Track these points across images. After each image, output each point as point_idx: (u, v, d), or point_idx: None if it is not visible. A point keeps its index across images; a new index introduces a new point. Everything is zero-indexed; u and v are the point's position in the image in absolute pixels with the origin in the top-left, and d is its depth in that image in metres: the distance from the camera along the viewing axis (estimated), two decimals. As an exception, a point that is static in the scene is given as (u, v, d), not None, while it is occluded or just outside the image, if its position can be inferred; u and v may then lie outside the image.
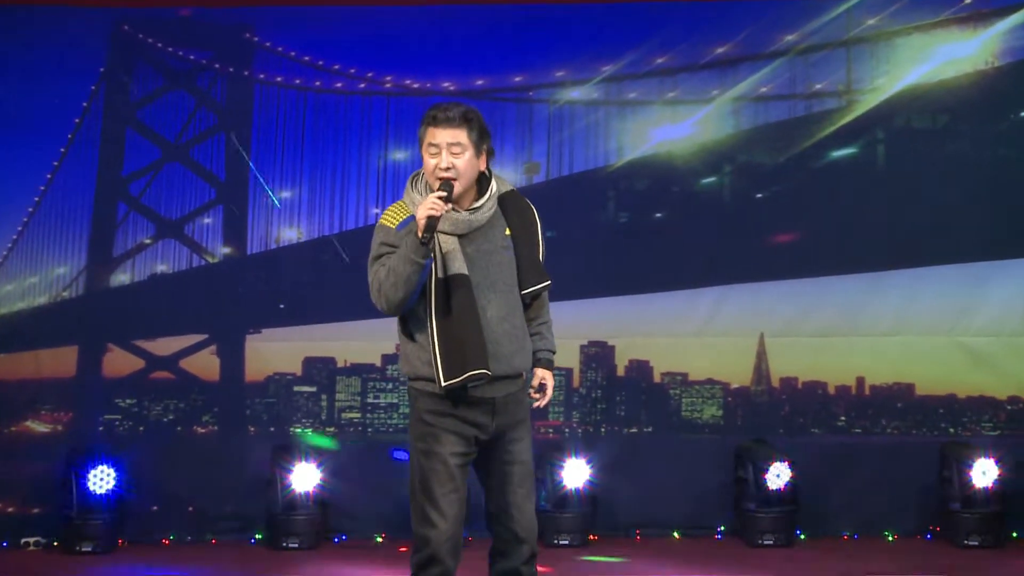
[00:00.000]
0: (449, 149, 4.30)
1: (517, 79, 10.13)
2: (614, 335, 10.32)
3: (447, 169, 4.31)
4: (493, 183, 4.54)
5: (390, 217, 4.43)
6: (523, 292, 4.59)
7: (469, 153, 4.35)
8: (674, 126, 10.32)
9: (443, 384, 4.33)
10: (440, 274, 4.30)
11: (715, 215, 10.28)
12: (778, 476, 9.64)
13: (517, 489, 4.57)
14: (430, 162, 4.42)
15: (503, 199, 4.59)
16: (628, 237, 10.22)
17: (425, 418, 4.52)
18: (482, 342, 4.27)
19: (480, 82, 10.12)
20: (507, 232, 4.63)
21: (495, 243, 4.56)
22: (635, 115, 10.35)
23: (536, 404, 4.80)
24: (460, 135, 4.34)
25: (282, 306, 10.11)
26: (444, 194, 4.24)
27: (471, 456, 4.47)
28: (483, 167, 4.59)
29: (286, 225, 10.10)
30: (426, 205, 4.20)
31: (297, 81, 10.08)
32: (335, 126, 10.07)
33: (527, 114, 10.19)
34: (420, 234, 4.17)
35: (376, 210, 10.02)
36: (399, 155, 10.00)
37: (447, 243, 4.37)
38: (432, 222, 4.17)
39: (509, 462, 4.60)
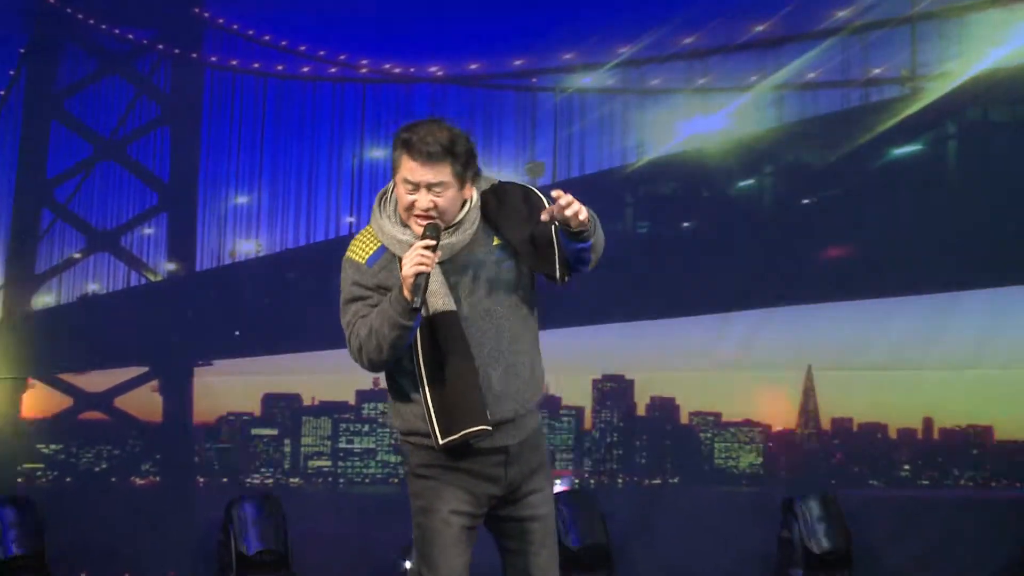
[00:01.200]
0: (431, 189, 4.18)
1: (517, 63, 10.12)
2: (633, 368, 10.34)
3: (427, 210, 4.19)
4: (473, 192, 4.34)
5: (357, 249, 4.31)
6: (562, 277, 4.43)
7: (453, 190, 4.23)
8: (705, 118, 10.28)
9: (440, 443, 4.27)
10: (424, 313, 4.22)
11: (754, 225, 10.22)
12: (829, 536, 9.40)
13: (540, 550, 4.45)
14: (407, 198, 4.21)
15: (484, 203, 4.37)
16: (649, 252, 10.23)
17: (422, 472, 4.46)
18: (477, 392, 4.22)
19: (474, 66, 10.12)
20: (495, 242, 4.45)
21: (483, 261, 4.41)
22: (658, 105, 10.32)
23: (563, 210, 4.35)
24: (443, 172, 4.19)
25: (237, 333, 10.17)
26: (432, 243, 4.13)
27: (480, 518, 4.41)
28: (468, 195, 4.35)
29: (243, 236, 10.16)
30: (412, 260, 4.09)
31: (255, 65, 10.16)
32: (301, 118, 10.11)
33: (529, 104, 10.19)
34: (409, 297, 4.09)
35: (351, 219, 10.09)
36: (377, 152, 9.99)
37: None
38: (422, 280, 4.09)
39: (528, 518, 4.45)
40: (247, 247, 9.98)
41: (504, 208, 4.37)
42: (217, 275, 9.98)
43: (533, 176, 10.07)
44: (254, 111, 9.88)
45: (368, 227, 4.40)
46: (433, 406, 4.28)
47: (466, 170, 4.30)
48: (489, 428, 4.30)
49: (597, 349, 10.00)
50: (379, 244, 4.32)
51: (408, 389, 4.37)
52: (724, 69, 10.17)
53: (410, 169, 4.21)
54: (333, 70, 9.94)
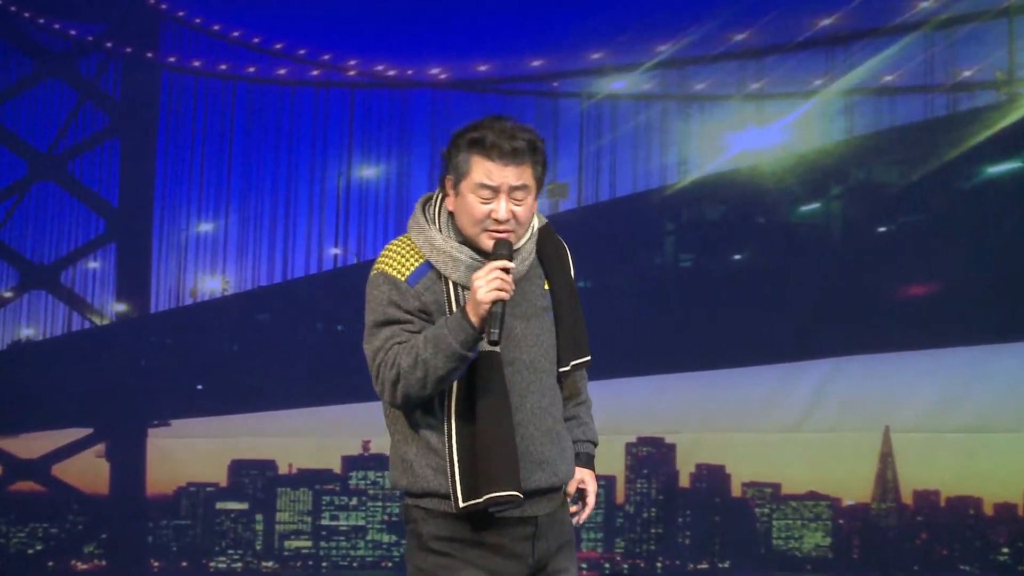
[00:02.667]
0: (511, 195, 4.29)
1: (536, 64, 10.13)
2: (674, 429, 10.28)
3: (505, 222, 4.29)
4: (534, 218, 4.49)
5: (394, 263, 4.40)
6: (560, 370, 4.52)
7: (531, 199, 4.37)
8: (760, 130, 10.28)
9: (460, 505, 4.34)
10: None
11: (820, 258, 10.22)
12: (913, 635, 9.48)
13: None
14: (480, 208, 4.33)
15: (541, 240, 4.52)
16: (694, 290, 10.21)
17: (435, 545, 4.52)
18: (513, 451, 4.32)
19: (483, 68, 10.14)
20: (546, 287, 4.52)
21: (534, 304, 4.48)
22: (704, 115, 10.32)
23: (576, 519, 4.73)
24: (526, 174, 4.32)
25: (200, 387, 10.19)
26: (511, 264, 4.24)
27: None
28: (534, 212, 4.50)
29: (207, 271, 10.22)
30: (488, 282, 4.20)
31: (223, 67, 10.20)
32: (277, 130, 10.14)
33: (550, 113, 10.25)
34: (485, 329, 4.19)
35: (336, 251, 10.15)
36: (367, 171, 10.04)
37: None
38: (499, 308, 4.19)
39: None
40: (212, 284, 10.05)
41: (560, 269, 4.50)
42: (176, 318, 10.01)
43: (555, 199, 10.08)
44: (221, 121, 9.94)
45: (404, 238, 4.48)
46: (459, 462, 4.34)
47: (544, 174, 4.45)
48: (520, 495, 4.38)
49: (631, 406, 10.04)
50: (422, 260, 4.40)
51: (428, 438, 4.43)
52: (783, 71, 10.18)
53: (487, 171, 4.31)
54: (315, 72, 9.99)
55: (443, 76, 10.00)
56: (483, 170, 4.32)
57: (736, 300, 10.26)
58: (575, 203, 10.07)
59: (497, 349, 4.31)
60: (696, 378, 10.26)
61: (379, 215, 10.10)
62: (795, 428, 10.23)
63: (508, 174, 4.29)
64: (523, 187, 4.30)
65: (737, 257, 10.40)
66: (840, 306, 10.22)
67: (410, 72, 10.02)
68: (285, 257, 10.03)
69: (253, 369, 9.97)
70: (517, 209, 4.31)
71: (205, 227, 10.02)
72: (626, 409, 10.08)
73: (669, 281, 10.30)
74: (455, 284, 4.33)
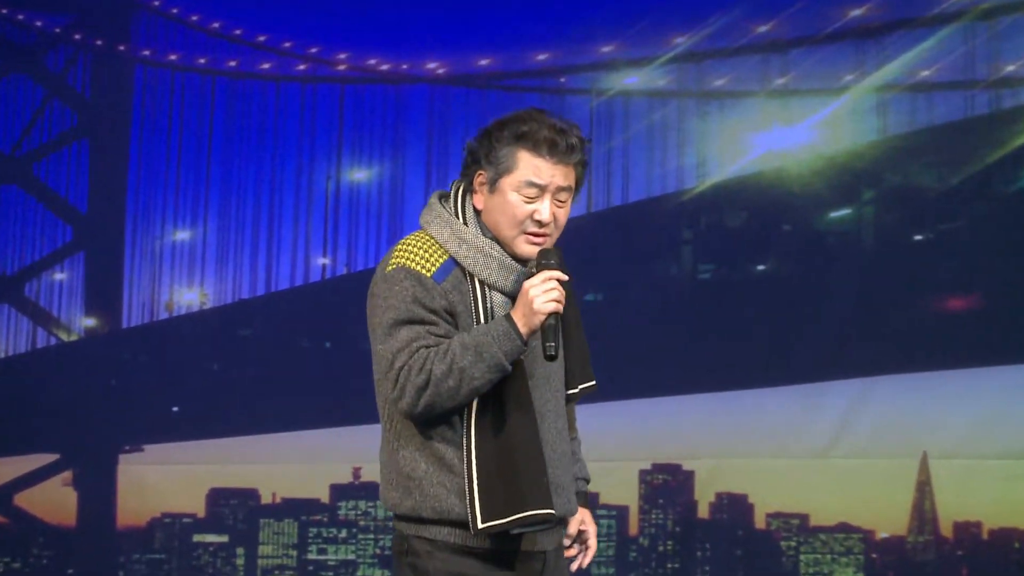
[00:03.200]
0: (556, 196, 4.37)
1: (541, 57, 10.05)
2: (693, 455, 10.23)
3: (547, 224, 4.37)
4: None
5: (416, 258, 4.43)
6: (568, 391, 4.64)
7: (571, 201, 4.48)
8: (786, 130, 10.25)
9: (480, 526, 4.33)
10: None
11: (851, 269, 10.14)
12: None
13: None
14: (523, 207, 4.38)
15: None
16: (714, 303, 10.18)
17: None
18: (543, 468, 4.38)
19: (484, 62, 10.09)
20: None
21: None
22: (724, 113, 10.28)
23: (577, 563, 4.79)
24: (571, 174, 4.43)
25: (176, 409, 10.13)
26: (565, 276, 4.32)
27: None
28: None
29: (183, 283, 10.17)
30: (547, 291, 4.26)
31: (201, 61, 10.15)
32: (260, 129, 10.12)
33: (556, 111, 9.81)
34: (542, 342, 4.23)
35: (324, 260, 10.12)
36: (359, 174, 9.99)
37: (499, 307, 4.42)
38: (554, 321, 4.24)
39: None
40: (189, 297, 10.02)
41: (567, 284, 4.47)
42: (150, 333, 9.97)
43: None
44: (199, 120, 9.91)
45: (421, 234, 4.48)
46: (480, 479, 4.35)
47: (584, 180, 4.51)
48: (554, 513, 4.38)
49: (646, 430, 10.03)
50: (446, 256, 4.43)
51: (442, 453, 4.42)
52: (810, 65, 10.14)
53: (536, 168, 4.35)
54: (302, 67, 9.97)
55: (441, 71, 10.01)
56: (532, 167, 4.35)
57: (759, 315, 10.24)
58: (584, 209, 10.03)
59: (521, 359, 4.32)
60: (716, 399, 10.23)
61: (371, 222, 10.09)
62: (824, 454, 10.19)
63: (557, 173, 4.34)
64: (568, 188, 4.37)
65: (761, 268, 10.38)
66: (873, 321, 10.18)
67: (405, 66, 10.01)
68: (269, 267, 10.01)
69: (234, 389, 9.97)
70: (559, 212, 4.37)
71: (182, 235, 10.01)
72: (640, 433, 10.08)
73: (686, 294, 10.31)
74: (482, 284, 4.37)
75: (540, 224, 4.35)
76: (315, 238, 10.00)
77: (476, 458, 4.34)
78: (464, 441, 4.37)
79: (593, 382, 4.67)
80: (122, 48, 9.98)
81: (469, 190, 4.46)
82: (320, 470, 9.93)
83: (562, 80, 10.03)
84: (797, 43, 10.18)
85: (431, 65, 10.04)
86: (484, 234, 4.42)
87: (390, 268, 4.41)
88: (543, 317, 4.22)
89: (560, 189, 4.37)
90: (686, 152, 10.24)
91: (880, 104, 10.25)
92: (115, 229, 9.95)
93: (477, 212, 4.45)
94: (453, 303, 4.37)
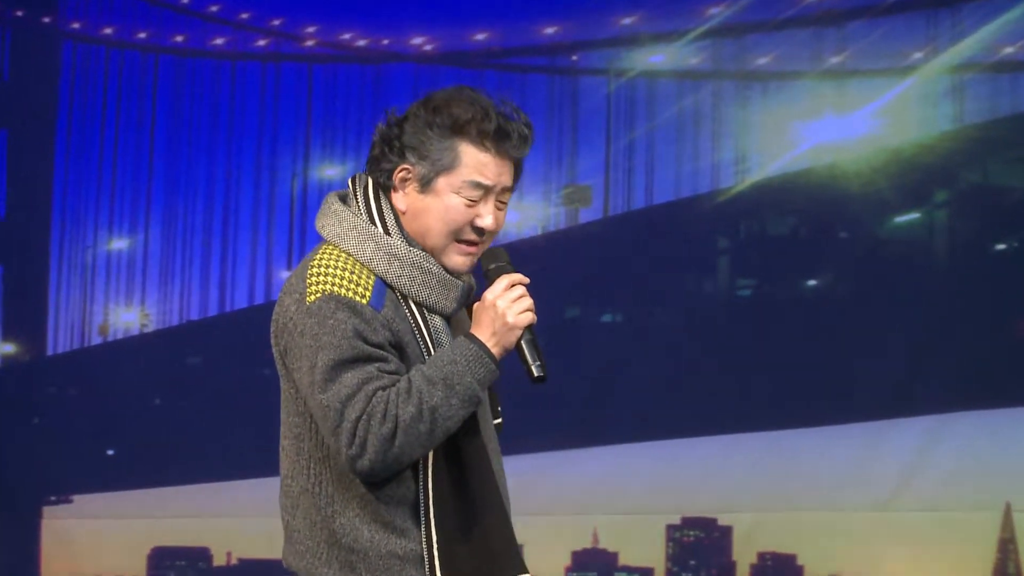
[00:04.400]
0: (499, 197, 4.40)
1: (549, 31, 9.95)
2: (730, 507, 10.17)
3: (486, 234, 4.41)
4: None
5: (344, 281, 4.35)
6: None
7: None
8: (841, 118, 10.17)
9: None
10: None
11: (919, 283, 10.08)
12: None
13: None
14: (463, 212, 4.38)
15: None
16: (755, 325, 10.12)
17: None
18: (508, 520, 4.41)
19: (481, 36, 10.00)
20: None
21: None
22: (768, 98, 10.20)
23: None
24: (511, 174, 4.44)
25: (111, 452, 10.13)
26: (526, 280, 4.36)
27: None
28: None
29: (121, 302, 10.12)
30: (515, 300, 4.32)
31: (141, 35, 10.05)
32: (212, 118, 10.01)
33: (568, 96, 10.09)
34: (528, 362, 4.29)
35: (287, 274, 10.13)
36: (331, 171, 9.96)
37: (441, 333, 4.45)
38: (533, 335, 4.32)
39: None
40: (127, 318, 9.97)
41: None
42: (80, 362, 10.01)
43: (573, 207, 10.03)
44: (140, 107, 9.86)
45: (332, 249, 4.37)
46: (440, 542, 4.33)
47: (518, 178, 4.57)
48: None
49: (674, 478, 9.99)
50: (373, 277, 4.34)
51: (391, 516, 4.36)
52: (871, 41, 10.06)
53: (482, 166, 4.35)
54: (262, 43, 9.89)
55: (429, 47, 9.98)
56: (476, 164, 4.32)
57: (810, 340, 10.19)
58: (600, 212, 10.05)
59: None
60: (758, 441, 10.20)
61: None
62: (887, 506, 10.20)
63: (504, 171, 4.34)
64: (510, 189, 4.40)
65: (811, 283, 10.40)
66: (946, 347, 10.19)
67: (386, 42, 9.99)
68: (223, 283, 9.99)
69: (181, 429, 9.93)
70: (499, 216, 4.36)
71: (118, 244, 9.99)
72: (668, 482, 10.05)
73: (722, 315, 10.28)
74: (419, 307, 4.34)
75: (480, 232, 4.34)
76: (278, 247, 10.01)
77: (435, 519, 4.31)
78: (421, 497, 4.33)
79: (499, 420, 4.67)
80: (47, 20, 9.99)
81: (386, 187, 4.34)
82: (281, 526, 10.13)
83: (574, 58, 10.00)
84: (856, 14, 10.17)
85: (417, 40, 10.03)
86: (412, 244, 4.36)
87: (313, 299, 4.28)
88: (518, 333, 4.26)
89: (504, 190, 4.37)
90: (722, 145, 10.20)
91: (954, 87, 10.28)
92: (38, 237, 9.96)
93: (396, 216, 4.37)
94: (398, 333, 4.29)
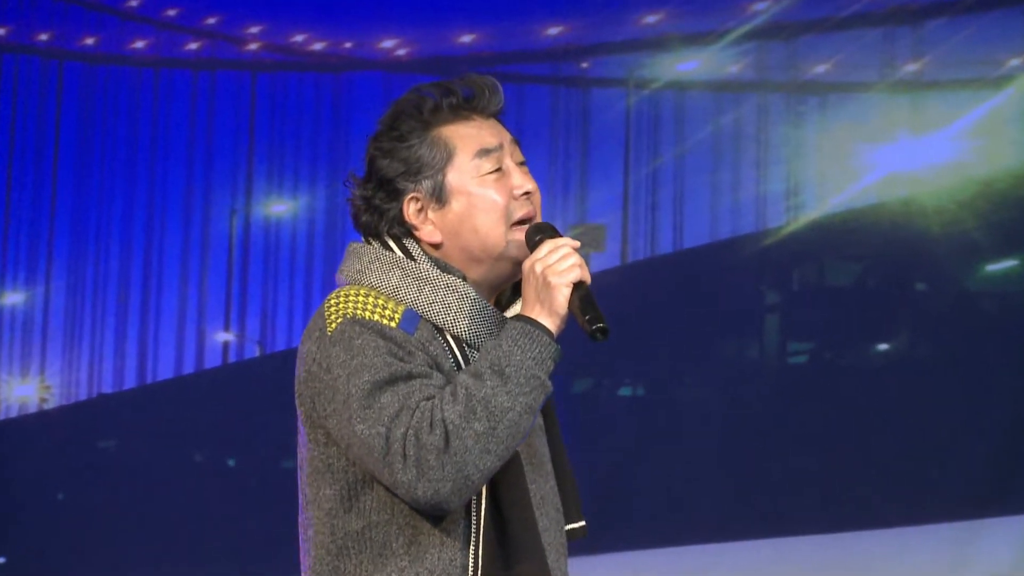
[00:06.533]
0: (515, 159, 4.54)
1: (552, 32, 9.96)
2: None
3: (531, 194, 4.54)
4: None
5: (368, 307, 4.55)
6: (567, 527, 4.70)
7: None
8: (917, 141, 10.15)
9: None
10: None
11: (1020, 347, 9.98)
12: None
13: None
14: (498, 188, 4.51)
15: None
16: (813, 401, 10.06)
17: None
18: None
19: (467, 39, 10.00)
20: None
21: None
22: (827, 116, 10.23)
23: None
24: (506, 129, 4.61)
25: (3, 560, 10.09)
26: (576, 243, 4.45)
27: None
28: None
29: (13, 371, 10.02)
30: (563, 257, 4.41)
31: (43, 36, 9.99)
32: (132, 138, 10.02)
33: (576, 112, 10.15)
34: (581, 316, 4.33)
35: (226, 336, 10.23)
36: (278, 207, 10.02)
37: None
38: (586, 290, 4.40)
39: None
40: (22, 391, 9.93)
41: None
42: None
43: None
44: (39, 123, 9.83)
45: (352, 287, 4.57)
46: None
47: None
48: None
49: None
50: (403, 308, 4.51)
51: (433, 562, 4.45)
52: (956, 44, 10.02)
53: (475, 135, 4.49)
54: (193, 46, 9.88)
55: (402, 52, 9.99)
56: (469, 135, 4.47)
57: (883, 418, 10.10)
58: (617, 258, 10.13)
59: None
60: (814, 546, 10.16)
61: (297, 277, 10.18)
62: None
63: (499, 128, 4.47)
64: (518, 142, 4.50)
65: (883, 348, 10.36)
66: None
67: (349, 45, 9.99)
68: (143, 347, 9.93)
69: (88, 529, 9.83)
70: (529, 177, 4.49)
71: (12, 298, 9.98)
72: None
73: (770, 388, 10.28)
74: (457, 340, 4.45)
75: (527, 195, 4.42)
76: (214, 303, 10.00)
77: (483, 563, 4.40)
78: (473, 540, 4.40)
79: (583, 523, 4.68)
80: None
81: (401, 235, 4.47)
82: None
83: (584, 65, 10.03)
84: (936, 10, 10.15)
85: (387, 44, 10.03)
86: (449, 271, 4.48)
87: (333, 327, 4.47)
88: (565, 292, 4.27)
89: (515, 146, 4.46)
90: (770, 174, 10.21)
91: (1062, 102, 10.30)
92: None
93: (429, 255, 4.46)
94: (436, 359, 4.40)
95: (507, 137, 4.50)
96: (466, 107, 4.45)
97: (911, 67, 10.12)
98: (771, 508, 10.09)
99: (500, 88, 4.50)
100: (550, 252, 4.34)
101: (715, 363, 10.13)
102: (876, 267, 10.24)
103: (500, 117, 4.54)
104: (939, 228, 10.05)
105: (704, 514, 9.91)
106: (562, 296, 4.30)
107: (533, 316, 4.37)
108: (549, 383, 4.31)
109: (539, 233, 4.42)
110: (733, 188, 10.09)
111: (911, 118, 10.18)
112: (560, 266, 4.32)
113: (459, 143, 4.45)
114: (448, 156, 4.44)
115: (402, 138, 4.45)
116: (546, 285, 4.35)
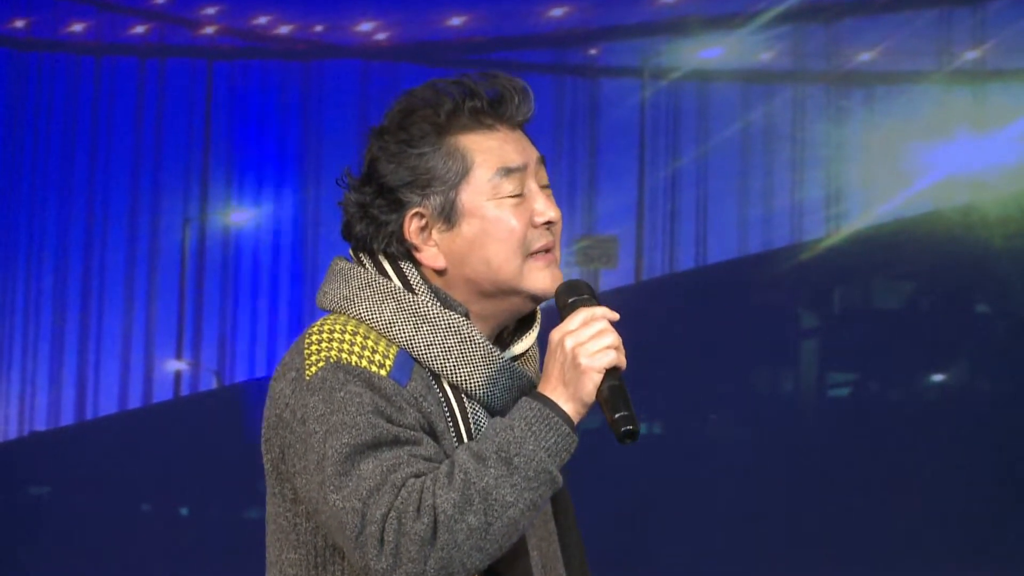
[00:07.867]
0: (539, 181, 4.41)
1: (556, 13, 10.17)
2: None
3: (553, 224, 4.46)
4: None
5: (355, 348, 4.41)
6: None
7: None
8: (979, 140, 10.02)
9: None
10: None
11: None
12: None
13: None
14: (517, 214, 4.39)
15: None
16: (859, 437, 9.95)
17: None
18: None
19: (457, 22, 10.24)
20: None
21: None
22: (874, 111, 10.27)
23: None
24: (532, 142, 4.53)
25: None
26: (614, 315, 4.25)
27: None
28: None
29: None
30: (595, 335, 4.22)
31: None
32: (67, 135, 10.57)
33: (584, 106, 10.31)
34: (609, 412, 4.12)
35: (178, 364, 10.62)
36: (241, 215, 10.43)
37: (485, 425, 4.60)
38: (620, 381, 4.18)
39: None
40: None
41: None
42: None
43: (593, 266, 10.15)
44: None
45: (341, 317, 4.41)
46: None
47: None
48: None
49: None
50: (395, 349, 4.36)
51: None
52: (1022, 28, 9.86)
53: (497, 149, 4.31)
54: (141, 30, 10.19)
55: (381, 37, 10.30)
56: (491, 149, 4.30)
57: (940, 458, 9.95)
58: (630, 275, 10.30)
59: None
60: None
61: (261, 297, 9.90)
62: None
63: (526, 143, 4.34)
64: (543, 161, 4.37)
65: (937, 379, 10.27)
66: None
67: (319, 29, 10.29)
68: (81, 378, 10.35)
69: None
70: (553, 204, 4.36)
71: None
72: None
73: (807, 424, 10.23)
74: (456, 391, 4.32)
75: (548, 225, 4.30)
76: (164, 327, 10.39)
77: None
78: None
79: None
80: None
81: (399, 255, 4.35)
82: None
83: (592, 52, 10.23)
84: None
85: (364, 27, 10.35)
86: (452, 307, 4.37)
87: (313, 371, 4.29)
88: (596, 378, 4.06)
89: (541, 163, 4.33)
90: (807, 179, 10.28)
91: None
92: None
93: (430, 284, 4.37)
94: (429, 417, 4.26)
95: (534, 156, 4.30)
96: (490, 113, 4.21)
97: (971, 54, 10.03)
98: (810, 558, 9.99)
99: (531, 94, 4.29)
100: (584, 325, 4.12)
101: (744, 398, 10.26)
102: (930, 286, 10.18)
103: (527, 128, 4.33)
104: (1002, 240, 9.78)
105: (732, 565, 9.92)
106: (592, 383, 4.05)
107: (554, 399, 4.10)
108: (560, 478, 4.09)
109: (572, 295, 4.21)
110: (764, 195, 10.25)
111: (972, 113, 10.14)
112: (593, 346, 4.08)
113: (478, 157, 4.21)
114: (464, 171, 4.20)
115: (412, 142, 4.21)
116: (575, 367, 4.09)
